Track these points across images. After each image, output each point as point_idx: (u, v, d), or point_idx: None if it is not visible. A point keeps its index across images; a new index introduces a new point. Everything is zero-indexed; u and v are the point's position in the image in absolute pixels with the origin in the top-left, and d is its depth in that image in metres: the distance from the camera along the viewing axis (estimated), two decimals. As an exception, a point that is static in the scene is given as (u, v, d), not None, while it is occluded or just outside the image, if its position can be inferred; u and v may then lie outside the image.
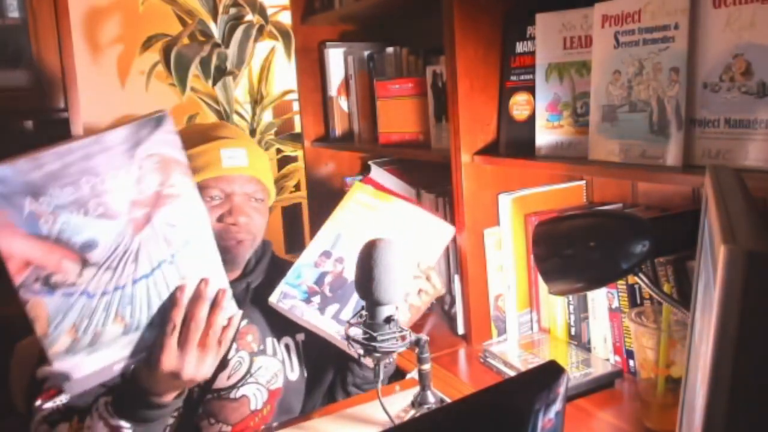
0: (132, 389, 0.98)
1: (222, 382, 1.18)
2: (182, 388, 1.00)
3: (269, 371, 1.23)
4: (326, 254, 1.23)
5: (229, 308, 0.98)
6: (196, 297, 0.95)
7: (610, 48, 1.12)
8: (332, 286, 1.20)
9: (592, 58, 1.16)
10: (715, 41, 0.97)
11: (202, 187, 1.11)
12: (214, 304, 0.96)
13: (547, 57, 1.27)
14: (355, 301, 1.18)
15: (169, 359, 0.93)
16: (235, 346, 1.20)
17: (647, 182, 1.34)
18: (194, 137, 1.19)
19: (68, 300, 0.85)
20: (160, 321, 0.93)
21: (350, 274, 1.20)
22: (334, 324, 1.17)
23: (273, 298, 1.20)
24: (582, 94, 1.22)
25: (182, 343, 0.93)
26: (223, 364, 1.18)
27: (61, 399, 1.06)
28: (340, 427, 1.11)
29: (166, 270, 0.92)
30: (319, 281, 1.21)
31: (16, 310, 0.83)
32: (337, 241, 1.24)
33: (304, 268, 1.22)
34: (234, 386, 1.19)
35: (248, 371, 1.20)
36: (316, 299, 1.19)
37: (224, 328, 0.97)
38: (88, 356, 0.89)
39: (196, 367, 0.94)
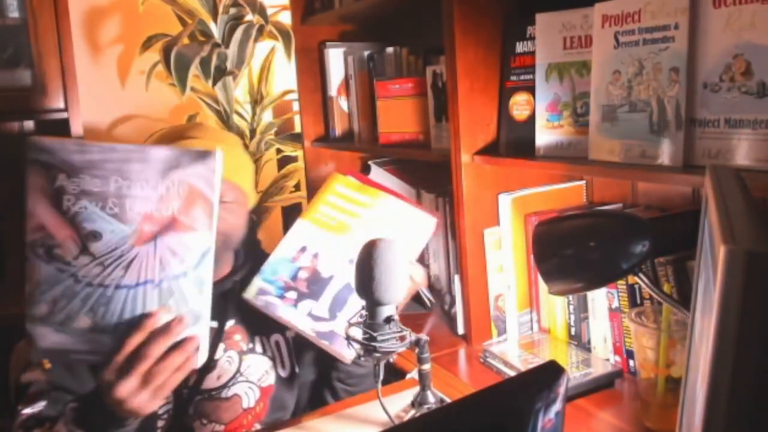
0: (95, 400, 0.96)
1: (212, 382, 1.18)
2: (123, 410, 0.95)
3: (259, 369, 1.22)
4: (303, 249, 1.20)
5: (193, 359, 0.94)
6: (162, 330, 0.92)
7: (610, 48, 1.12)
8: (308, 281, 1.17)
9: (592, 58, 1.16)
10: (715, 41, 0.97)
11: None
12: (179, 346, 0.93)
13: (547, 57, 1.27)
14: (329, 297, 1.14)
15: (110, 374, 0.92)
16: (222, 346, 1.20)
17: (647, 182, 1.33)
18: (167, 137, 1.19)
19: (59, 275, 0.92)
20: (122, 335, 0.92)
21: (325, 270, 1.17)
22: (309, 321, 1.14)
23: (249, 294, 1.16)
24: (582, 94, 1.22)
25: (126, 366, 0.91)
26: (212, 365, 1.18)
27: (39, 405, 1.06)
28: (340, 427, 1.11)
29: (149, 291, 0.92)
30: (295, 277, 1.18)
31: (16, 310, 0.84)
32: (313, 236, 1.21)
33: (280, 263, 1.19)
34: (224, 386, 1.19)
35: (238, 370, 1.20)
36: (291, 295, 1.16)
37: (175, 371, 0.93)
38: (54, 332, 0.93)
39: (132, 393, 0.91)
